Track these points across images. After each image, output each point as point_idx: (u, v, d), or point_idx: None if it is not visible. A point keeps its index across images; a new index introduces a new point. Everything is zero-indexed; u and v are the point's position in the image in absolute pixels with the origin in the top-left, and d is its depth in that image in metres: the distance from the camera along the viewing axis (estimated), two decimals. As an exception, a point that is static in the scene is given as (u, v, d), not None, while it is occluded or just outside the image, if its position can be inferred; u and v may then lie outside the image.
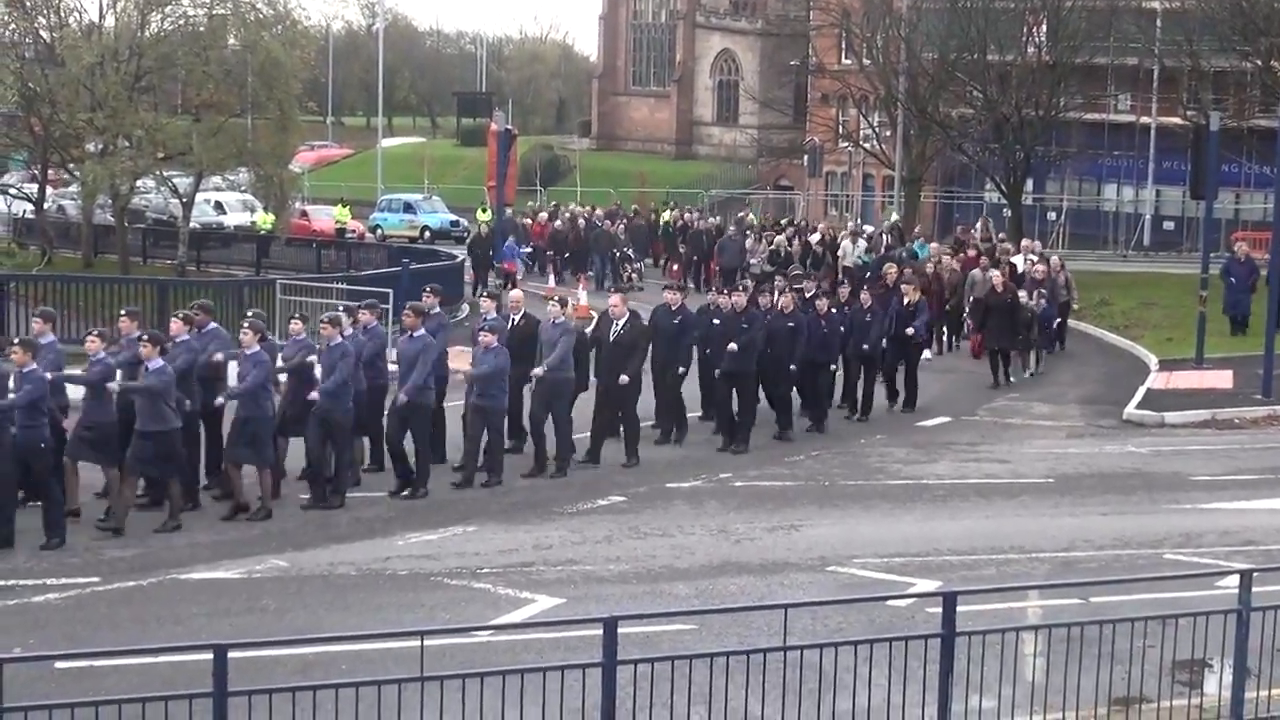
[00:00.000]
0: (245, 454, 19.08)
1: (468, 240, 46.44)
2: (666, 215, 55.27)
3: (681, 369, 24.26)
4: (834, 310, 26.22)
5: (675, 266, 48.47)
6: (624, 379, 22.20)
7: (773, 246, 44.32)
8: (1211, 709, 11.50)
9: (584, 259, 50.22)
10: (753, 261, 43.80)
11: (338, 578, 16.11)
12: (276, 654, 12.23)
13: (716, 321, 24.33)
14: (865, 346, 26.70)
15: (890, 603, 14.50)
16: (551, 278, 47.69)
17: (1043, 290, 33.09)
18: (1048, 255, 38.44)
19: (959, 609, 10.52)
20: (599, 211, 56.00)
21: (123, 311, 21.07)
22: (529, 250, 51.25)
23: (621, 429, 22.86)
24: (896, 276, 30.19)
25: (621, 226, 52.61)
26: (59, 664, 12.09)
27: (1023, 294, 31.74)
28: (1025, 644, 12.15)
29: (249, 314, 21.93)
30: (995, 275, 32.15)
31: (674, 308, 24.24)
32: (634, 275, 47.36)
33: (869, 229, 49.09)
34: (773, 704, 10.21)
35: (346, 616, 14.42)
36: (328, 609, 14.74)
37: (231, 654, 9.01)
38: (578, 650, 11.87)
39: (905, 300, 28.51)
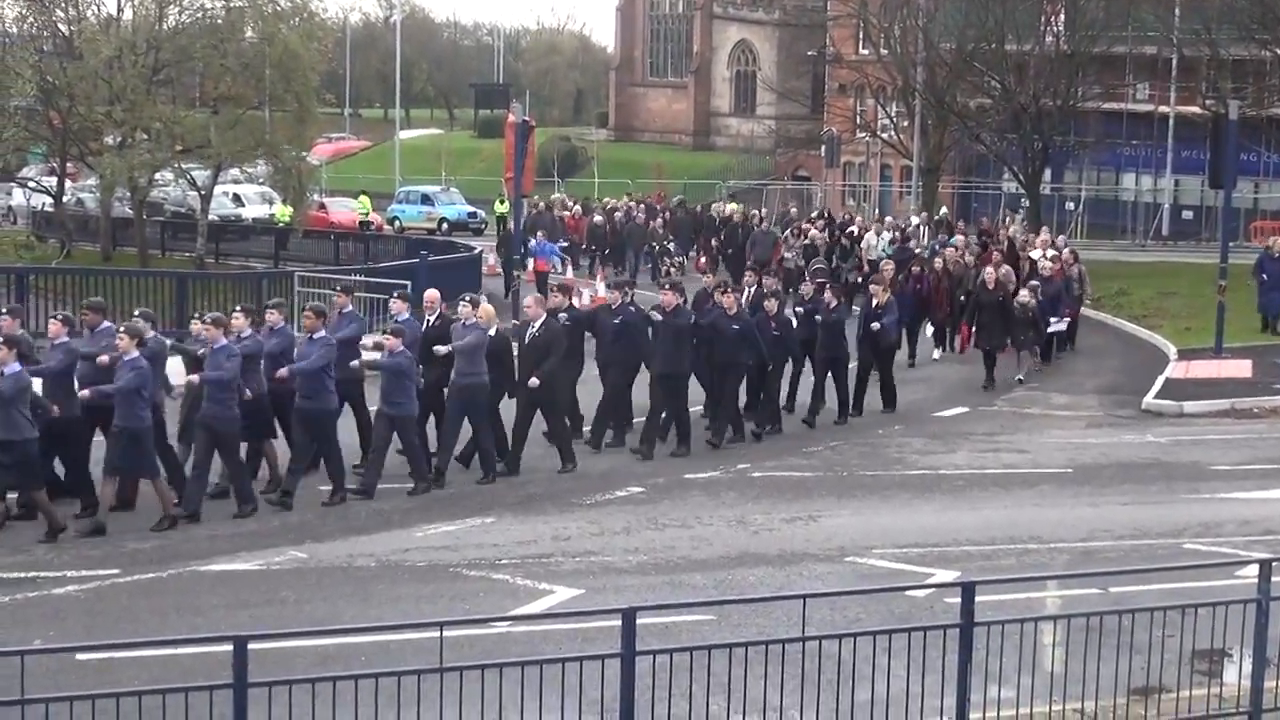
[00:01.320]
0: (121, 464, 17.88)
1: (497, 239, 44.54)
2: (727, 208, 52.90)
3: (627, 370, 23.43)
4: (810, 308, 25.63)
5: (703, 259, 47.55)
6: (533, 381, 21.06)
7: (806, 240, 43.27)
8: (1231, 698, 11.47)
9: (621, 253, 49.48)
10: (787, 255, 42.82)
11: (357, 569, 16.14)
12: (296, 645, 12.26)
13: (659, 319, 23.01)
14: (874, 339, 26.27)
15: (909, 593, 14.49)
16: (570, 270, 46.82)
17: (1038, 287, 30.86)
18: (1058, 251, 36.19)
19: (978, 599, 10.51)
20: (635, 203, 54.83)
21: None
22: (565, 245, 50.74)
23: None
24: (920, 272, 30.04)
25: (662, 220, 51.38)
26: (79, 656, 12.12)
27: (1024, 293, 30.09)
28: (1044, 634, 12.14)
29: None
30: (989, 271, 30.82)
31: (616, 306, 23.37)
32: (673, 269, 45.73)
33: (910, 220, 48.14)
34: (792, 694, 10.21)
35: (365, 608, 14.44)
36: (347, 600, 14.77)
37: (251, 645, 9.03)
38: (596, 641, 11.87)
39: (874, 302, 27.04)
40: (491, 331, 21.23)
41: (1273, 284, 34.99)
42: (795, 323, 25.70)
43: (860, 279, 33.21)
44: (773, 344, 24.15)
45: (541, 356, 21.29)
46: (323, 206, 63.66)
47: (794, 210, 56.36)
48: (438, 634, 9.71)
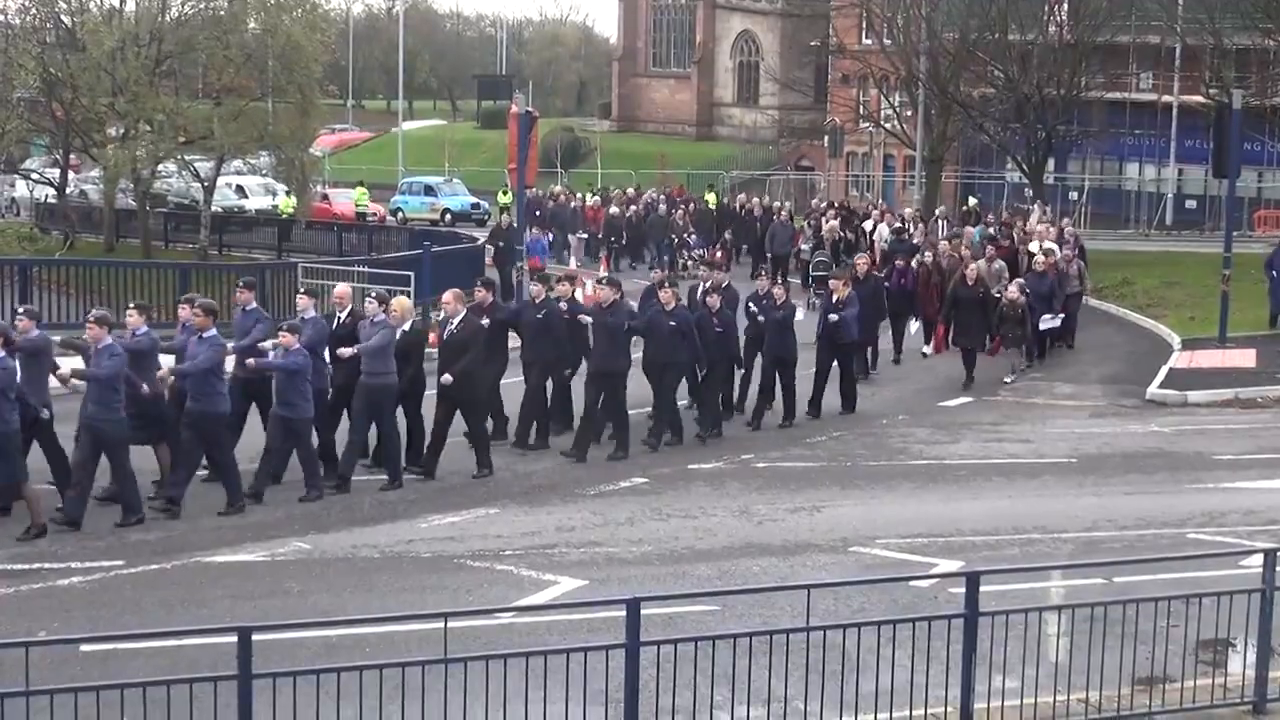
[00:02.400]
0: None
1: (489, 230, 43.20)
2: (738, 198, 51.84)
3: (568, 369, 22.85)
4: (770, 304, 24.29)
5: (720, 253, 45.58)
6: (446, 378, 20.01)
7: (822, 233, 42.34)
8: (1235, 688, 11.48)
9: (639, 246, 48.80)
10: (804, 248, 41.91)
11: (361, 560, 16.15)
12: (300, 636, 12.27)
13: (587, 318, 22.60)
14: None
15: (913, 583, 14.49)
16: (601, 267, 45.77)
17: (1023, 284, 29.60)
18: (1058, 245, 34.98)
19: (982, 589, 10.52)
20: (656, 195, 54.02)
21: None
22: (584, 236, 50.27)
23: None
24: (868, 268, 28.83)
25: (684, 212, 50.51)
26: (84, 647, 12.13)
27: (1012, 288, 28.79)
28: (1048, 624, 12.14)
29: (19, 309, 19.90)
30: (969, 266, 29.22)
31: (609, 305, 22.26)
32: (691, 263, 45.10)
33: (902, 212, 47.29)
34: (795, 684, 10.23)
35: (370, 599, 14.45)
36: (351, 591, 14.78)
37: (256, 636, 9.05)
38: (601, 632, 11.89)
39: (834, 297, 25.53)
40: (405, 327, 20.20)
41: None
42: (755, 319, 24.59)
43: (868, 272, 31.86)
44: (715, 342, 23.07)
45: (459, 354, 20.26)
46: (325, 198, 63.65)
47: (819, 202, 54.15)
48: (442, 625, 9.72)
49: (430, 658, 9.57)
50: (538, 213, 57.09)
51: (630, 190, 57.09)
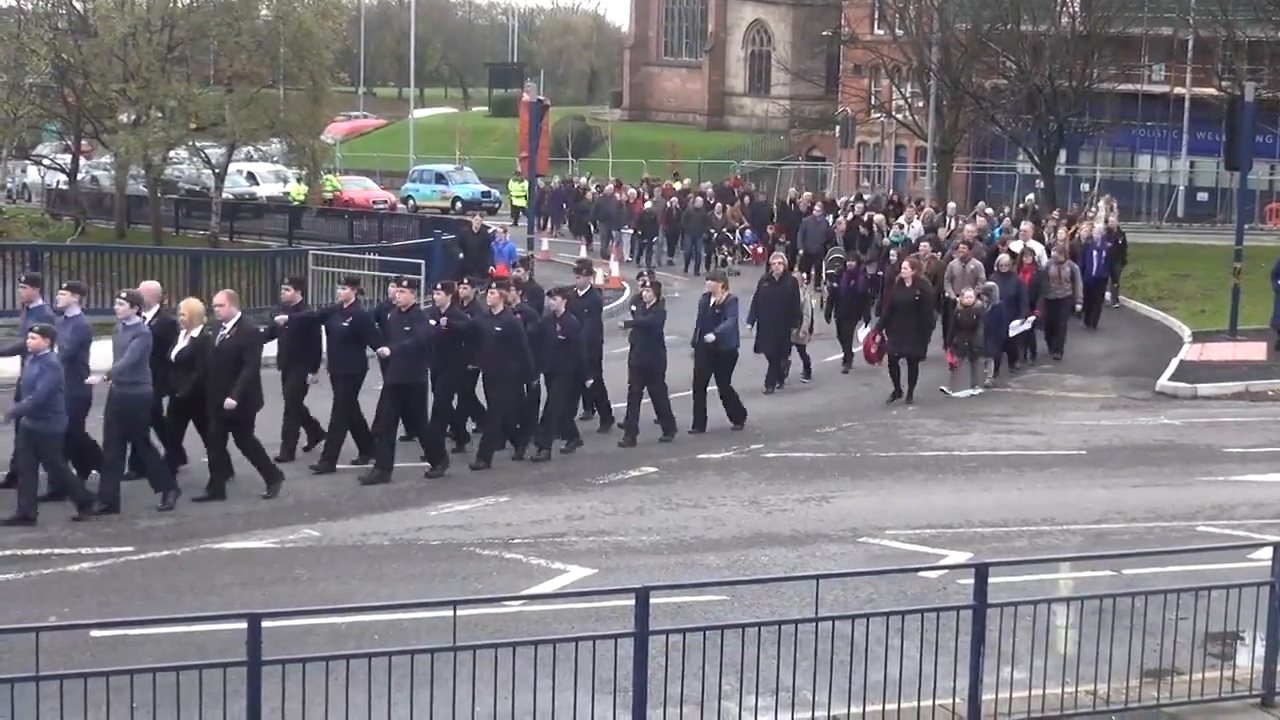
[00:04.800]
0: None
1: (459, 235, 38.91)
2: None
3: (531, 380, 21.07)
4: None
5: (759, 249, 44.59)
6: (229, 403, 17.76)
7: (835, 228, 40.62)
8: (1244, 681, 11.48)
9: (675, 241, 47.32)
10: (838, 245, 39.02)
11: (370, 548, 16.17)
12: (309, 623, 12.29)
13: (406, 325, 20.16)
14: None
15: (922, 574, 14.49)
16: (613, 260, 45.19)
17: (992, 288, 27.84)
18: (1034, 246, 32.40)
19: (990, 580, 10.51)
20: (706, 188, 52.61)
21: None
22: (629, 231, 48.51)
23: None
24: (783, 269, 27.22)
25: (740, 205, 48.44)
26: (94, 633, 12.16)
27: (968, 293, 26.76)
28: (1057, 616, 12.14)
29: (21, 277, 19.57)
30: (905, 267, 26.51)
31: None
32: (730, 259, 43.67)
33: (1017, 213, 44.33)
34: (804, 675, 10.22)
35: (379, 586, 14.46)
36: (360, 579, 14.79)
37: (265, 623, 9.05)
38: (610, 621, 11.88)
39: (711, 300, 23.46)
40: (194, 333, 18.26)
41: None
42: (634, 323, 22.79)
43: (880, 271, 30.42)
44: (557, 349, 21.04)
45: (233, 364, 17.93)
46: (337, 189, 63.56)
47: (867, 196, 51.26)
48: (451, 613, 9.73)
49: (439, 645, 9.57)
50: (564, 205, 56.99)
51: (683, 182, 55.58)
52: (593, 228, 50.84)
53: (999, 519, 17.69)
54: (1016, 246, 31.66)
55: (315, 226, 53.06)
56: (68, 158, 57.33)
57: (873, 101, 68.91)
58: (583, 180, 60.60)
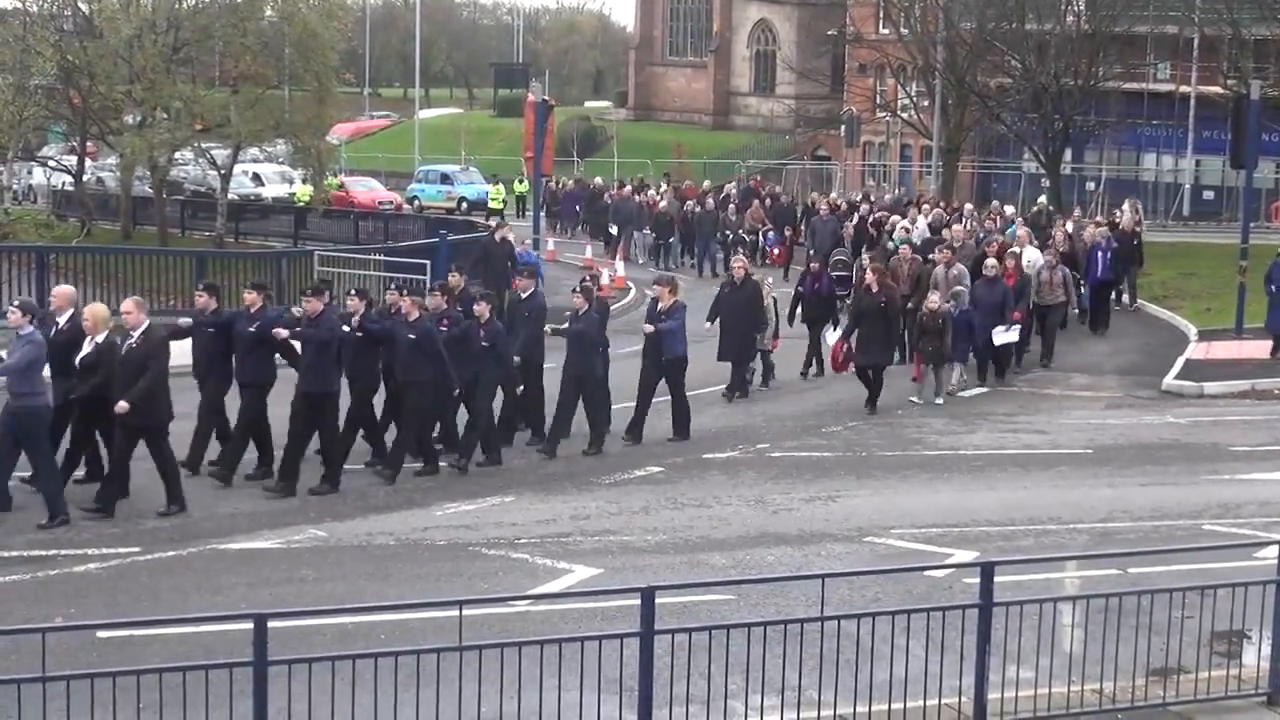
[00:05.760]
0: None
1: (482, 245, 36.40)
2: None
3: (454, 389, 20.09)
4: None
5: (778, 251, 44.48)
6: (122, 406, 17.04)
7: (842, 229, 40.14)
8: (1250, 680, 11.47)
9: (689, 243, 46.53)
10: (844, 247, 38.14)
11: (376, 548, 16.18)
12: (316, 624, 12.29)
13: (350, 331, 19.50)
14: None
15: (928, 573, 14.51)
16: (619, 261, 44.97)
17: (956, 291, 26.92)
18: (1018, 244, 31.28)
19: (996, 579, 10.51)
20: (730, 189, 52.24)
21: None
22: (648, 233, 47.94)
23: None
24: (820, 268, 26.82)
25: (763, 206, 47.50)
26: (101, 633, 12.18)
27: (934, 297, 25.79)
28: (1063, 615, 12.15)
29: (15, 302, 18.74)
30: (869, 274, 25.66)
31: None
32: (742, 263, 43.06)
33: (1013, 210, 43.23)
34: (810, 674, 10.23)
35: (385, 586, 14.47)
36: (366, 579, 14.81)
37: (271, 623, 9.05)
38: (615, 620, 11.89)
39: (658, 305, 22.60)
40: (99, 339, 17.53)
41: None
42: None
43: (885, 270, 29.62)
44: (481, 357, 20.30)
45: (139, 372, 17.28)
46: (342, 186, 63.67)
47: (888, 197, 50.30)
48: (457, 613, 9.73)
49: (445, 645, 9.58)
50: (577, 207, 56.88)
51: (705, 184, 54.93)
52: (612, 230, 50.24)
53: (1005, 518, 17.69)
54: (1031, 254, 30.64)
55: (321, 227, 53.10)
56: (73, 159, 57.38)
57: (878, 101, 68.97)
58: (598, 181, 60.39)
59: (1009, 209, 42.19)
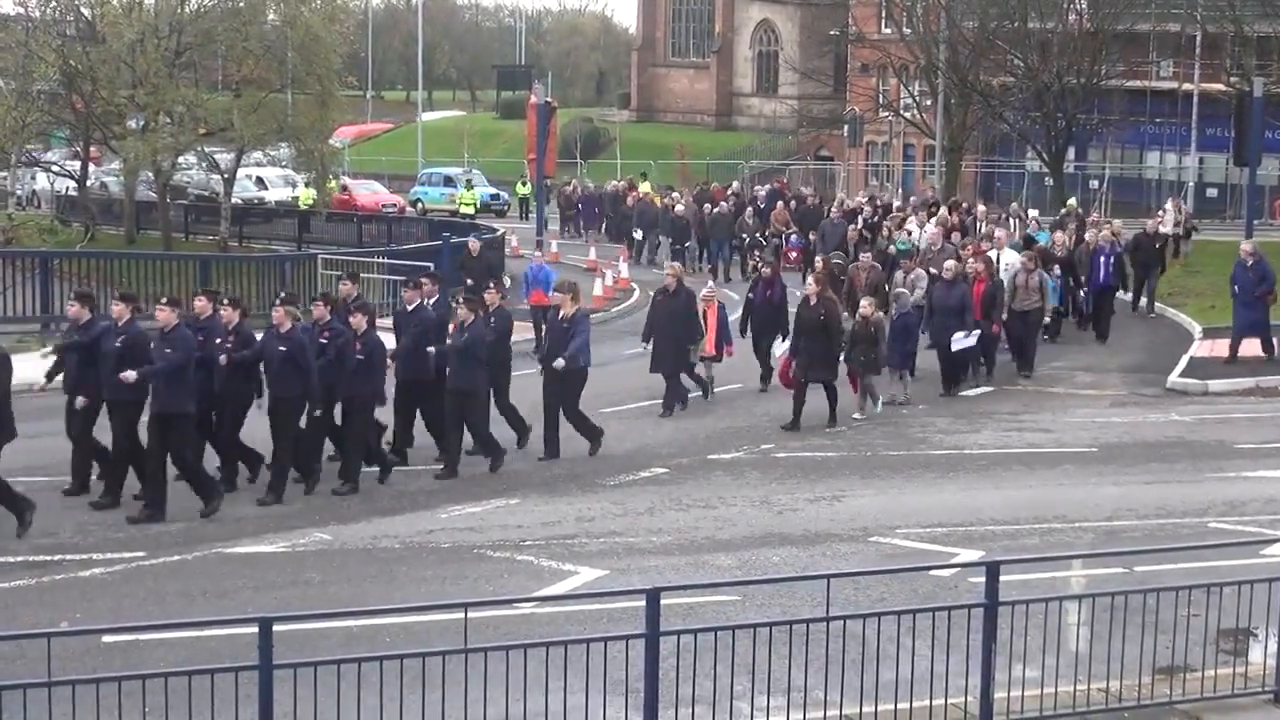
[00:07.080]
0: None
1: (460, 259, 34.71)
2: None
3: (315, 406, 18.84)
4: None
5: (794, 254, 42.91)
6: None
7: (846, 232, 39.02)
8: (1256, 678, 11.45)
9: (704, 246, 45.66)
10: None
11: (381, 551, 16.18)
12: (321, 627, 12.30)
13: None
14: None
15: (933, 573, 14.50)
16: (621, 262, 44.41)
17: (898, 294, 26.30)
18: (996, 246, 30.31)
19: (1002, 579, 10.51)
20: (760, 192, 51.57)
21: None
22: (672, 241, 46.72)
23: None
24: (771, 275, 26.04)
25: (788, 208, 45.95)
26: (106, 638, 12.18)
27: (865, 303, 24.44)
28: (1068, 614, 12.13)
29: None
30: (809, 283, 24.04)
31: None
32: (765, 266, 41.97)
33: (1022, 213, 42.69)
34: (815, 674, 10.22)
35: (390, 589, 14.48)
36: (371, 582, 14.81)
37: (276, 627, 9.06)
38: (621, 622, 11.89)
39: (560, 314, 21.50)
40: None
41: (1244, 298, 28.51)
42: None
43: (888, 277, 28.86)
44: (356, 370, 19.14)
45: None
46: (345, 189, 63.71)
47: (914, 199, 48.70)
48: (462, 615, 9.74)
49: (451, 648, 9.58)
50: (596, 210, 56.72)
51: (732, 186, 54.42)
52: (636, 235, 49.71)
53: (1010, 517, 17.67)
54: (1010, 257, 29.74)
55: (324, 231, 53.13)
56: (77, 164, 57.43)
57: (881, 100, 69.03)
58: (618, 184, 59.92)
59: (1033, 211, 41.44)
